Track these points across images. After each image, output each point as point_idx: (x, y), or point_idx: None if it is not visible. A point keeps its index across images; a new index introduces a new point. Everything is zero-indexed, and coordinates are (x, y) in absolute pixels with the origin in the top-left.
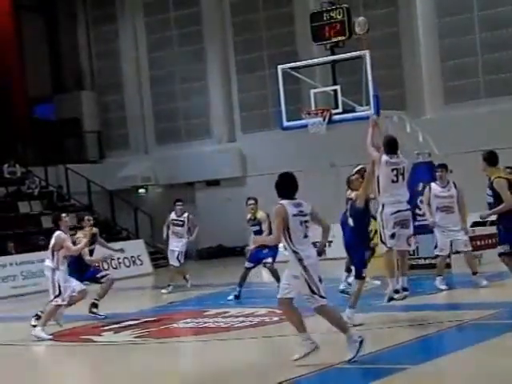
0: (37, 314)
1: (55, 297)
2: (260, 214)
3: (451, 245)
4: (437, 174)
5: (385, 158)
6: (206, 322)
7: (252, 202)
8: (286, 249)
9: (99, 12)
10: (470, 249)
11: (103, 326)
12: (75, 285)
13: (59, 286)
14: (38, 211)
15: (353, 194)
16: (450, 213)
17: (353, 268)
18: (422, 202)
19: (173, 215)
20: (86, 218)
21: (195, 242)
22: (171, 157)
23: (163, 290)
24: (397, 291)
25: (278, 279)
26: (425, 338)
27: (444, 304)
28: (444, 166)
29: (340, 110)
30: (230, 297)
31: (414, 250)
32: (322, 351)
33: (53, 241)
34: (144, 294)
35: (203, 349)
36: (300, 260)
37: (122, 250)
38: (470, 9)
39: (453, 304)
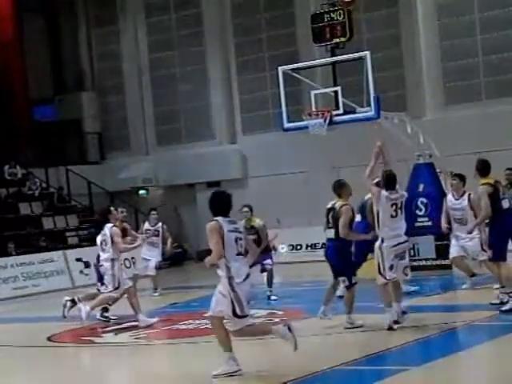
0: (73, 299)
1: (114, 289)
2: (257, 223)
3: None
4: (451, 183)
5: (384, 193)
6: (206, 324)
7: (246, 209)
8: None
9: (100, 13)
10: (484, 257)
11: (104, 328)
12: (124, 278)
13: (119, 279)
14: (38, 212)
15: (337, 204)
16: (462, 224)
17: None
18: (422, 203)
19: (147, 225)
20: (120, 210)
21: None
22: (172, 158)
23: (155, 294)
24: (396, 322)
25: (270, 283)
26: (426, 340)
27: (445, 305)
28: (459, 176)
29: (341, 111)
30: None
31: (414, 252)
32: (323, 353)
33: (108, 232)
34: (144, 295)
35: (204, 350)
36: (230, 278)
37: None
38: (470, 10)
39: (453, 305)
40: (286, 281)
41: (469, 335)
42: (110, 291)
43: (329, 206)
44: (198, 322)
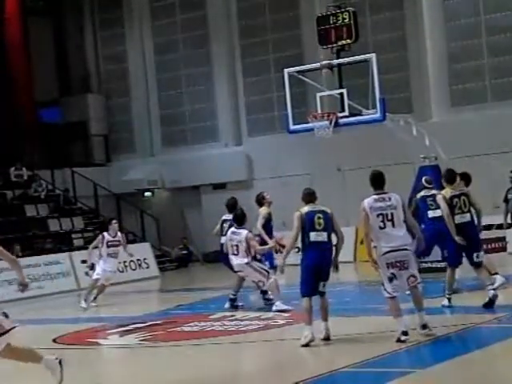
0: (231, 299)
1: (268, 274)
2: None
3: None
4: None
5: (368, 203)
6: (211, 326)
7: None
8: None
9: (106, 15)
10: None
11: (109, 330)
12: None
13: (262, 268)
14: (44, 214)
15: (325, 209)
16: None
17: None
18: None
19: (107, 236)
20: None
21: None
22: (177, 160)
23: (83, 305)
24: (405, 333)
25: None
26: (432, 342)
27: (450, 307)
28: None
29: (346, 113)
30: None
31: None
32: (327, 355)
33: (244, 241)
34: (150, 297)
35: (209, 352)
36: None
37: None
38: (476, 12)
39: (459, 307)
40: (291, 282)
41: (474, 337)
42: (267, 280)
43: (306, 210)
44: (203, 323)
